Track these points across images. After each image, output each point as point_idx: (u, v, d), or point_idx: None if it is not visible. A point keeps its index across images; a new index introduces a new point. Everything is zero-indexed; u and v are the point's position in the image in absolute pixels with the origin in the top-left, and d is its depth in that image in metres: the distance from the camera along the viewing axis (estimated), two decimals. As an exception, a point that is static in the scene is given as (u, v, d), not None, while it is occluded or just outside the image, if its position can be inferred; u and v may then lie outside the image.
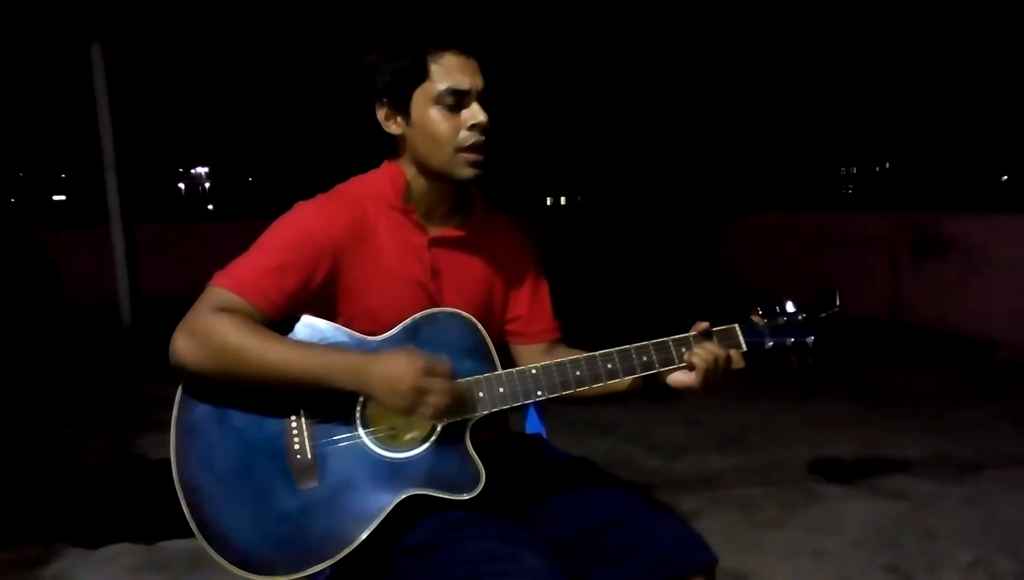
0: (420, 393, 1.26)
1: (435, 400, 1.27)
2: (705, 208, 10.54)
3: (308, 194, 1.46)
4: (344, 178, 1.51)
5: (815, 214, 8.16)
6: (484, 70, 1.40)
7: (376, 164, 1.51)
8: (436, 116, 1.38)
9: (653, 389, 1.43)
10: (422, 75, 1.37)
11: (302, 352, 1.30)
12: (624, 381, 1.44)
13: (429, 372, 1.27)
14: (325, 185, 1.48)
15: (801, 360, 1.42)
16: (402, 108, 1.40)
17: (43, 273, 6.43)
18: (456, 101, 1.37)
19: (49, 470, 3.65)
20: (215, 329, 1.28)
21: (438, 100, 1.37)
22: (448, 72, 1.37)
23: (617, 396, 1.50)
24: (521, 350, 1.60)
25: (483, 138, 1.39)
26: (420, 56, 1.37)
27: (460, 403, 1.32)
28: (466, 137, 1.38)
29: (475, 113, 1.38)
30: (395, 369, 1.27)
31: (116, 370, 5.82)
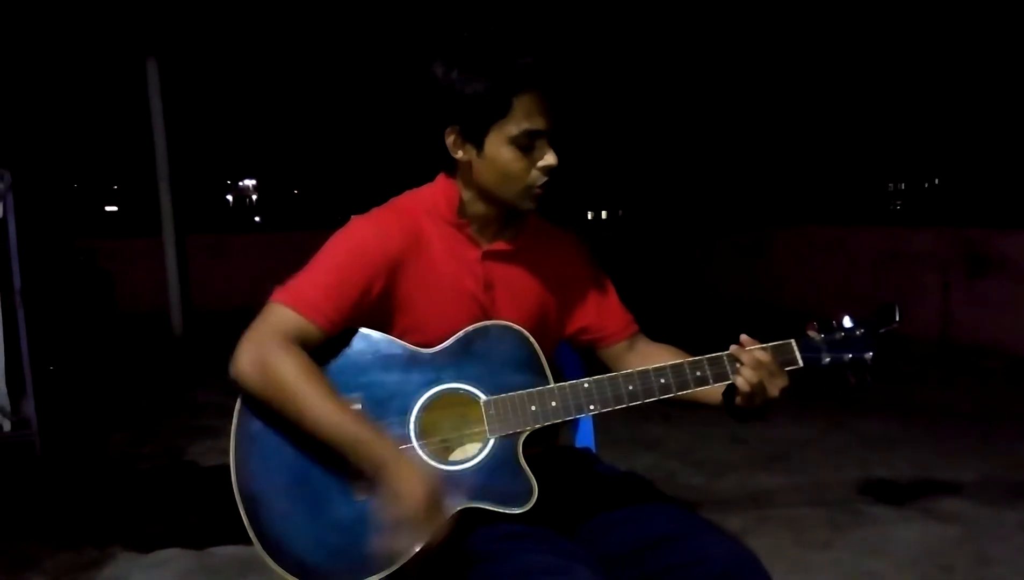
0: (406, 522, 1.25)
1: (409, 537, 1.25)
2: (750, 223, 10.44)
3: (352, 206, 1.48)
4: (390, 191, 1.53)
5: (864, 230, 8.04)
6: (557, 110, 1.39)
7: (421, 177, 1.52)
8: (509, 155, 1.37)
9: (732, 407, 1.43)
10: (503, 113, 1.36)
11: (341, 418, 1.29)
12: (711, 394, 1.45)
13: (428, 512, 1.25)
14: (369, 197, 1.50)
15: (859, 377, 1.40)
16: (475, 139, 1.39)
17: (97, 282, 6.60)
18: (530, 142, 1.37)
19: (103, 475, 3.74)
20: (276, 364, 1.30)
21: (514, 140, 1.36)
22: (528, 113, 1.35)
23: (710, 407, 1.50)
24: (605, 354, 1.61)
25: (549, 178, 1.40)
26: (506, 94, 1.35)
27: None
28: (536, 177, 1.39)
29: (547, 156, 1.38)
30: (406, 486, 1.25)
31: (167, 378, 5.95)
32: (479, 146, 1.39)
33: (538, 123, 1.37)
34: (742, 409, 1.41)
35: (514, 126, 1.36)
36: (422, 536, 1.25)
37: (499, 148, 1.38)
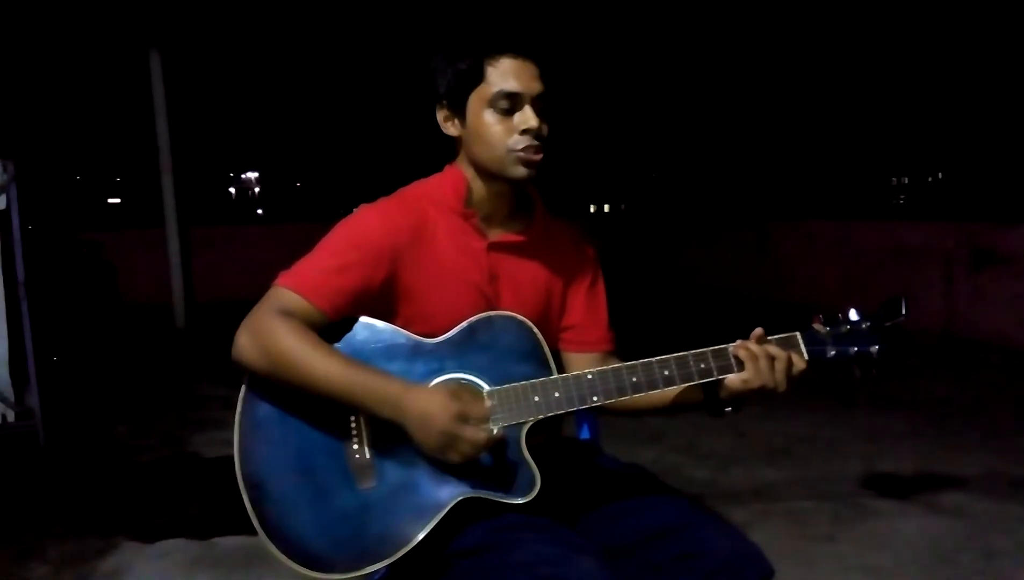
0: (450, 438, 1.27)
1: (464, 449, 1.28)
2: (753, 217, 10.42)
3: (354, 199, 1.49)
4: (392, 183, 1.53)
5: (867, 225, 8.01)
6: (544, 76, 1.42)
7: (425, 169, 1.53)
8: (489, 119, 1.40)
9: (713, 402, 1.41)
10: (478, 78, 1.39)
11: (348, 371, 1.31)
12: (681, 393, 1.43)
13: (462, 418, 1.28)
14: (371, 190, 1.51)
15: (864, 371, 1.39)
16: (459, 110, 1.43)
17: (101, 274, 6.60)
18: (510, 105, 1.39)
19: (107, 466, 3.75)
20: (273, 332, 1.31)
21: (491, 103, 1.39)
22: (503, 76, 1.39)
23: (671, 410, 1.49)
24: (572, 358, 1.58)
25: (535, 142, 1.40)
26: (477, 59, 1.39)
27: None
28: (517, 141, 1.40)
29: (527, 118, 1.39)
30: (429, 408, 1.28)
31: (170, 370, 5.96)
32: (463, 117, 1.43)
33: (512, 85, 1.39)
34: (725, 401, 1.40)
35: (490, 88, 1.39)
36: (474, 446, 1.28)
37: (479, 113, 1.41)
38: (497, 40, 1.40)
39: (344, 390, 1.30)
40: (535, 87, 1.40)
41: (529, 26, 1.43)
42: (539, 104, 1.41)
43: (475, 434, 1.28)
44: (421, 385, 1.33)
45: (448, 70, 1.42)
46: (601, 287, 1.63)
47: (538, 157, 1.41)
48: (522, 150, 1.39)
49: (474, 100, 1.40)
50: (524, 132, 1.39)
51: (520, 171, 1.41)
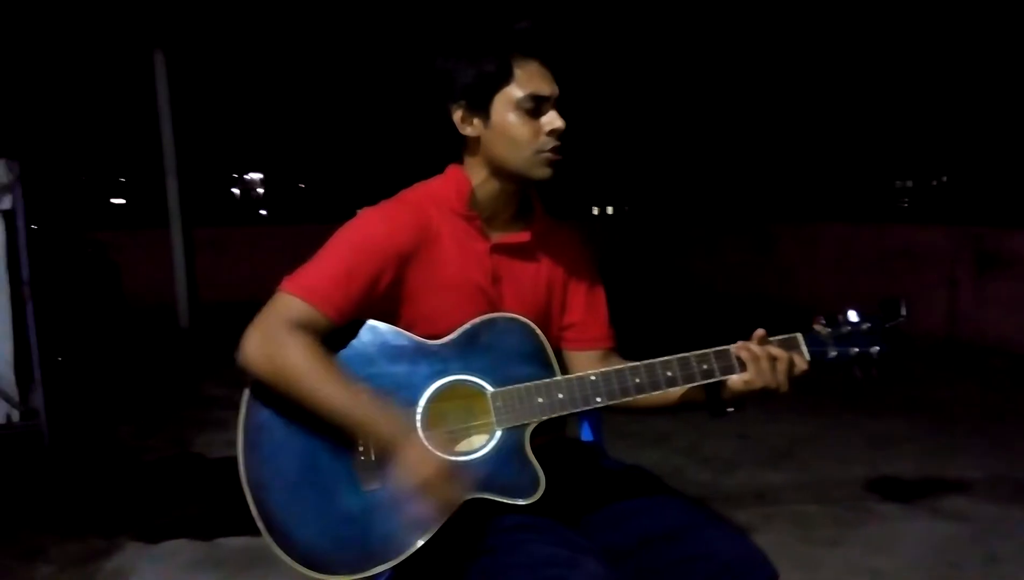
0: (421, 492, 1.28)
1: (429, 505, 1.29)
2: (757, 220, 10.40)
3: (359, 200, 1.49)
4: (397, 184, 1.53)
5: (873, 227, 8.00)
6: (559, 79, 1.43)
7: (430, 170, 1.53)
8: (516, 120, 1.40)
9: (715, 402, 1.41)
10: (506, 79, 1.40)
11: (349, 400, 1.31)
12: (683, 393, 1.43)
13: (439, 482, 1.29)
14: (376, 191, 1.51)
15: (865, 371, 1.39)
16: (481, 110, 1.42)
17: (105, 274, 6.60)
18: (535, 106, 1.40)
19: (110, 466, 3.76)
20: (283, 345, 1.31)
21: (519, 105, 1.40)
22: (531, 78, 1.40)
23: (674, 409, 1.49)
24: (574, 356, 1.59)
25: (559, 143, 1.42)
26: (505, 61, 1.39)
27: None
28: (545, 142, 1.41)
29: (553, 120, 1.41)
30: (415, 464, 1.29)
31: (174, 370, 5.97)
32: (486, 116, 1.42)
33: (542, 88, 1.40)
34: (727, 402, 1.40)
35: (518, 90, 1.40)
36: (432, 516, 1.29)
37: (506, 114, 1.41)
38: (526, 43, 1.41)
39: (341, 418, 1.31)
40: (556, 90, 1.42)
41: (551, 30, 1.43)
42: (558, 106, 1.43)
43: (446, 499, 1.29)
44: (414, 437, 1.33)
45: (471, 71, 1.41)
46: (600, 285, 1.64)
47: (559, 157, 1.43)
48: (549, 151, 1.41)
49: (499, 101, 1.41)
50: (550, 133, 1.41)
51: (544, 172, 1.43)
